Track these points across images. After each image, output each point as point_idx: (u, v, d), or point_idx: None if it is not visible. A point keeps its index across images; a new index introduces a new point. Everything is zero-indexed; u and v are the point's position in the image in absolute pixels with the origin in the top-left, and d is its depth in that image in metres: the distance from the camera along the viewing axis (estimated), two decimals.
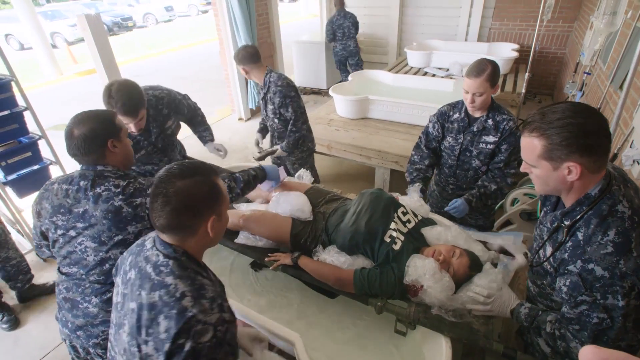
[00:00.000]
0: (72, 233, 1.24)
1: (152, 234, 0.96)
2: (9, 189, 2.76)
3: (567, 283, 0.93)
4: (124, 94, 1.67)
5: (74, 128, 1.20)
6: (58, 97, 7.07)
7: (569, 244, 0.95)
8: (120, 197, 1.21)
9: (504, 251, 1.56)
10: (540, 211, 1.18)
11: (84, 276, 1.28)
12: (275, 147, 2.67)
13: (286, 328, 1.34)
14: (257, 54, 2.45)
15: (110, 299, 1.24)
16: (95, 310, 1.29)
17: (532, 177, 1.01)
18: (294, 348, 1.30)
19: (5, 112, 2.65)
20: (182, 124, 2.38)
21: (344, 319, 1.64)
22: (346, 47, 5.59)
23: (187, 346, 0.76)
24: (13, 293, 2.55)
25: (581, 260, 0.90)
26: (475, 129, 1.82)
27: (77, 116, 1.23)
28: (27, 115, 2.79)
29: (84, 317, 1.29)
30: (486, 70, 1.67)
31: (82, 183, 1.22)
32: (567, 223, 0.97)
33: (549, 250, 1.04)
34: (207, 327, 0.78)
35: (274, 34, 5.38)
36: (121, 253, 1.17)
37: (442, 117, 1.94)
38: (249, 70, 2.46)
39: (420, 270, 1.28)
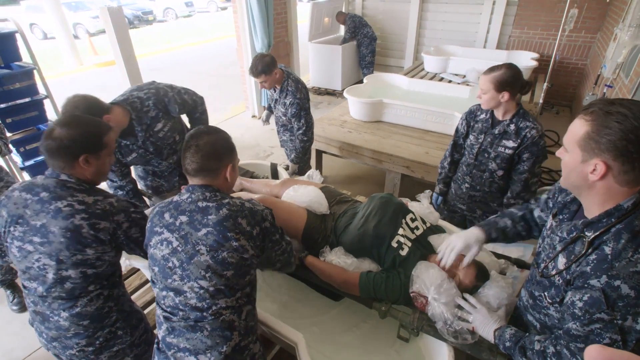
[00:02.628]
0: (29, 247, 1.15)
1: (177, 198, 1.16)
2: (26, 174, 2.83)
3: (585, 298, 0.87)
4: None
5: (56, 127, 1.15)
6: (77, 87, 7.22)
7: (593, 257, 0.89)
8: (83, 215, 1.14)
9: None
10: (554, 217, 1.10)
11: (44, 293, 1.20)
12: (286, 164, 2.80)
13: (290, 327, 1.34)
14: (274, 60, 2.51)
15: (79, 313, 1.21)
16: (66, 324, 1.22)
17: (562, 164, 0.96)
18: (296, 348, 1.30)
19: (27, 99, 2.73)
20: None
21: (347, 322, 1.63)
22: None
23: (264, 225, 1.16)
24: None
25: (607, 275, 0.85)
26: (496, 132, 1.83)
27: (67, 116, 1.20)
28: (47, 104, 2.86)
29: (56, 330, 1.24)
30: (496, 71, 1.69)
31: (42, 194, 1.15)
32: (589, 234, 0.92)
33: (561, 261, 0.98)
34: (264, 212, 1.18)
35: (291, 33, 5.41)
36: (82, 273, 1.17)
37: (470, 115, 1.98)
38: (277, 73, 2.53)
39: (427, 281, 1.26)
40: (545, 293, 1.03)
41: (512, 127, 1.78)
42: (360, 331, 1.59)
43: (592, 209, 0.93)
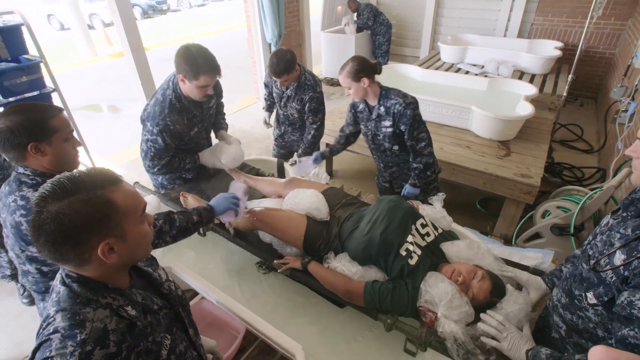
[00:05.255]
0: (5, 239, 1.21)
1: None
2: None
3: None
4: (208, 55, 1.66)
5: (1, 118, 1.09)
6: (90, 78, 7.26)
7: None
8: (22, 212, 1.10)
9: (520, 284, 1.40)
10: (613, 214, 1.03)
11: (21, 282, 1.27)
12: (293, 160, 2.64)
13: (288, 338, 1.28)
14: (295, 56, 2.37)
15: None
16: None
17: (637, 163, 0.92)
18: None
19: (35, 93, 2.72)
20: None
21: (351, 330, 1.56)
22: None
23: None
24: None
25: None
26: (374, 117, 2.02)
27: (11, 106, 1.12)
28: (54, 97, 2.85)
29: (40, 316, 1.32)
30: (345, 67, 1.89)
31: (5, 188, 1.16)
32: None
33: (619, 257, 0.90)
34: None
35: (303, 22, 5.28)
36: (37, 269, 1.17)
37: (353, 107, 2.18)
38: (297, 69, 2.40)
39: (437, 297, 1.17)
40: (588, 293, 0.95)
41: (382, 108, 1.96)
42: (365, 341, 1.52)
43: None
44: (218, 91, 2.08)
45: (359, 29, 5.86)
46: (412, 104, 1.90)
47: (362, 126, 2.16)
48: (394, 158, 2.18)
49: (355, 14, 5.87)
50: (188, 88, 1.72)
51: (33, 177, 1.14)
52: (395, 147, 2.08)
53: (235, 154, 2.05)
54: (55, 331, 0.68)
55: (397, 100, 1.90)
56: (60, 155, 1.16)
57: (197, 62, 1.61)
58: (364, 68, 1.87)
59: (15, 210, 1.11)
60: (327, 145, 3.17)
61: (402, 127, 1.93)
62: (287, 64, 2.27)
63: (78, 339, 0.66)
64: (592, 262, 0.96)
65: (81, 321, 0.69)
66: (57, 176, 0.71)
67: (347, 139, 2.33)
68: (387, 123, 1.97)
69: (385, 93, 1.95)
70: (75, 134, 2.91)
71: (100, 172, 0.74)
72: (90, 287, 0.74)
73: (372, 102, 1.99)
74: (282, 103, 2.68)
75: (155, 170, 1.91)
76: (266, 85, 2.84)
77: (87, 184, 0.70)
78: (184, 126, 1.85)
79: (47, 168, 1.15)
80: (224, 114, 2.32)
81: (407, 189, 2.14)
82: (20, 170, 1.14)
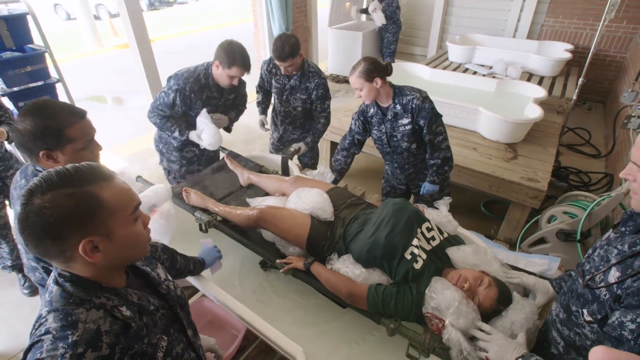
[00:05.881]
0: (15, 231, 1.22)
1: None
2: None
3: None
4: (245, 52, 1.99)
5: (19, 119, 1.05)
6: (95, 69, 7.24)
7: None
8: None
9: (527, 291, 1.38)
10: (614, 228, 1.00)
11: (27, 274, 1.24)
12: (298, 145, 2.58)
13: (289, 340, 1.26)
14: (298, 40, 2.35)
15: None
16: None
17: (634, 186, 0.88)
18: None
19: (39, 83, 2.70)
20: None
21: (354, 332, 1.54)
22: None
23: None
24: None
25: None
26: (390, 117, 1.98)
27: (34, 105, 1.08)
28: (59, 88, 2.83)
29: None
30: (357, 67, 1.87)
31: (22, 181, 1.15)
32: None
33: (614, 274, 0.87)
34: None
35: (310, 18, 5.23)
36: (44, 268, 1.16)
37: (363, 114, 2.12)
38: (301, 55, 2.38)
39: (443, 304, 1.15)
40: (584, 309, 0.92)
41: (398, 106, 1.92)
42: (367, 344, 1.50)
43: None
44: (241, 99, 2.41)
45: (395, 15, 5.56)
46: (427, 97, 1.90)
47: (374, 131, 2.11)
48: (411, 158, 2.14)
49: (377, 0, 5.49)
50: (220, 74, 2.04)
51: None
52: (414, 146, 2.03)
53: (208, 139, 2.11)
54: (47, 332, 0.66)
55: (414, 95, 1.88)
56: (75, 162, 1.14)
57: (235, 55, 1.95)
58: (377, 68, 1.85)
59: None
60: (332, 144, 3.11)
61: (422, 122, 1.90)
62: (292, 47, 2.25)
63: (69, 340, 0.65)
64: (586, 277, 0.94)
65: (73, 322, 0.67)
66: (47, 170, 0.69)
67: (352, 155, 2.29)
68: (406, 121, 1.93)
69: (399, 91, 1.93)
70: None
71: (91, 168, 0.71)
72: (84, 286, 0.71)
73: (385, 102, 1.96)
74: (284, 97, 2.60)
75: (150, 116, 2.15)
76: (260, 87, 2.79)
77: (75, 178, 0.68)
78: (200, 99, 2.10)
79: None
80: (241, 112, 2.52)
81: (427, 186, 2.10)
82: (39, 167, 1.13)
